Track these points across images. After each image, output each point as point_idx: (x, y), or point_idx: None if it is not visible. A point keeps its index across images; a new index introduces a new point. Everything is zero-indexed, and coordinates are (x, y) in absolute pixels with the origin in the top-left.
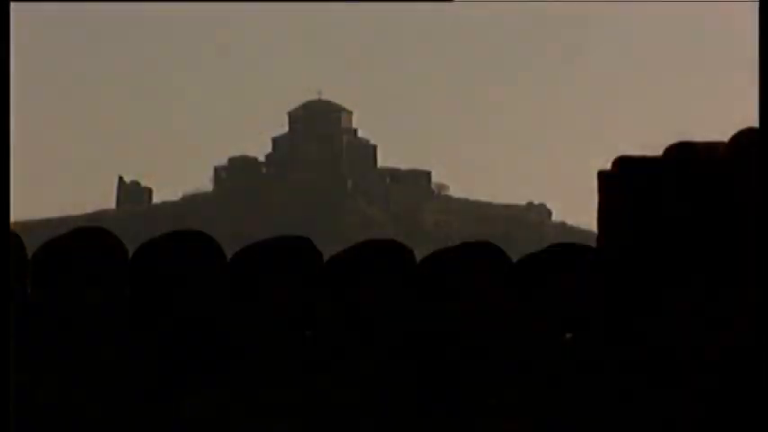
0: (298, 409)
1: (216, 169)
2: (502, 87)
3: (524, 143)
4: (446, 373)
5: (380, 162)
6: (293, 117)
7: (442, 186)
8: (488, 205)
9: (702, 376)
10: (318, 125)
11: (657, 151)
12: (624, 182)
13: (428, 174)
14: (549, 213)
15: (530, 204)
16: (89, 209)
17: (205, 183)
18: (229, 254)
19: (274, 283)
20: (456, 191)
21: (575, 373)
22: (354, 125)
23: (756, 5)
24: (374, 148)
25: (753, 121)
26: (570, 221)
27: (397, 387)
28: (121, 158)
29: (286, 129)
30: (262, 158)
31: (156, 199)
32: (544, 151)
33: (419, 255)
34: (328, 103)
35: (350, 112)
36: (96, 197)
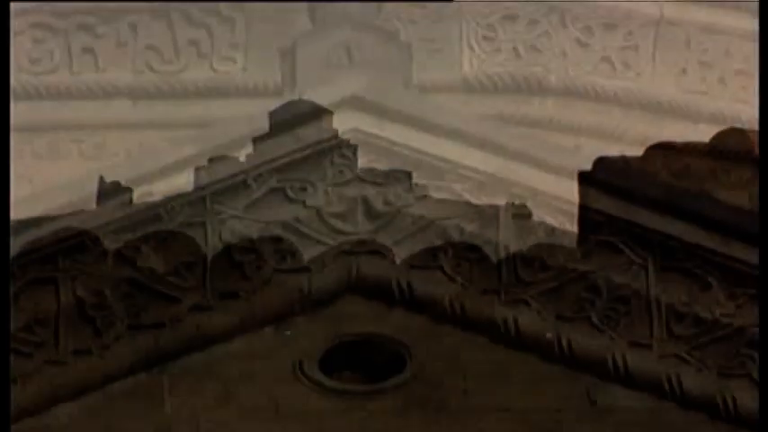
0: (277, 410)
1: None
2: None
3: None
4: (428, 371)
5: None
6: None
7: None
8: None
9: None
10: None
11: (638, 152)
12: (604, 182)
13: (409, 174)
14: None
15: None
16: (69, 208)
17: None
18: (210, 254)
19: (254, 282)
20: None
21: (558, 372)
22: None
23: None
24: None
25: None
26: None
27: (377, 386)
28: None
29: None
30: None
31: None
32: None
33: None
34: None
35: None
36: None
